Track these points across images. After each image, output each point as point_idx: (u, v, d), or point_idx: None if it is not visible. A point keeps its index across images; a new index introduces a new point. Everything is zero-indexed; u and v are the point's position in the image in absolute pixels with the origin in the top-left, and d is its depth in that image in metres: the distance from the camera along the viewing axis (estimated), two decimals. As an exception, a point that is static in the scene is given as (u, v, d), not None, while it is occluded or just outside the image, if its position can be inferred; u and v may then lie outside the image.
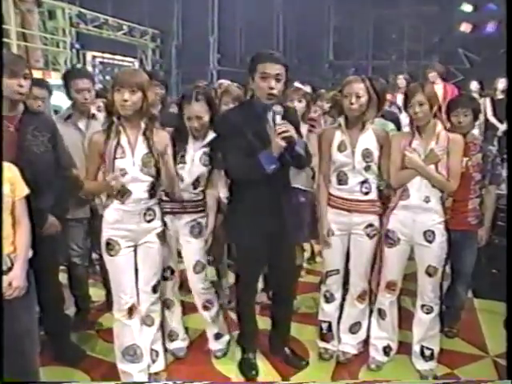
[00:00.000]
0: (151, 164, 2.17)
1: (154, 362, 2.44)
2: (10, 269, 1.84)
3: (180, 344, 2.69)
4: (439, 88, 5.98)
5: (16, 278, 1.84)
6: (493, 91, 5.98)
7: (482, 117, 5.63)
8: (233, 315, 2.85)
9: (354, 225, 2.50)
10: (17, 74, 2.06)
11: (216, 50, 11.86)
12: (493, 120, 5.91)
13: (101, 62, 9.98)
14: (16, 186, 1.89)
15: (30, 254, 1.95)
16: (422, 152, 2.34)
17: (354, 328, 2.67)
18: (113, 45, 10.29)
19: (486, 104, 5.92)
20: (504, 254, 2.48)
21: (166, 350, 2.58)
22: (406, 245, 2.46)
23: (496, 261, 3.26)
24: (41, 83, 2.88)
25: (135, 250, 2.29)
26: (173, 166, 2.28)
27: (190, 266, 2.54)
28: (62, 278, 2.75)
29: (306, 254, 3.83)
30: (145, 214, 2.24)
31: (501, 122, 5.82)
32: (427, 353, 2.53)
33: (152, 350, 2.43)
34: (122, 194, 2.17)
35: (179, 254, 2.61)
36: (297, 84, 3.14)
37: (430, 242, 2.39)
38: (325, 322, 2.70)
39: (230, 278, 3.15)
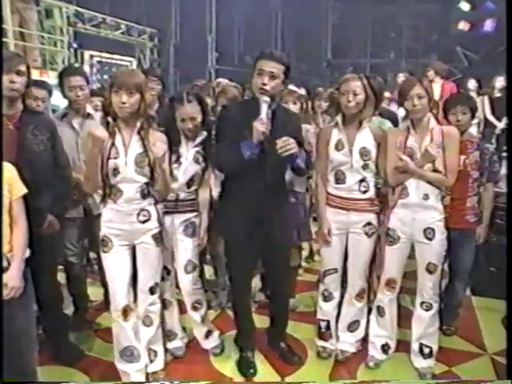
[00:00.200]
0: (145, 164, 2.15)
1: (152, 361, 2.44)
2: (6, 268, 1.84)
3: (178, 343, 2.69)
4: (437, 86, 5.99)
5: (12, 279, 1.84)
6: (491, 89, 5.98)
7: (480, 115, 5.65)
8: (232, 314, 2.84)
9: (352, 223, 2.50)
10: (9, 70, 2.05)
11: (214, 49, 11.81)
12: (491, 118, 5.92)
13: (99, 61, 9.94)
14: (13, 185, 1.89)
15: (28, 253, 1.95)
16: (418, 148, 2.33)
17: (352, 326, 2.68)
18: (111, 44, 10.24)
19: (484, 102, 5.92)
20: (502, 251, 2.49)
21: (166, 350, 2.57)
22: (406, 243, 2.46)
23: (494, 259, 3.27)
24: (41, 84, 2.89)
25: (133, 251, 2.29)
26: (168, 167, 2.28)
27: (181, 265, 2.52)
28: (61, 277, 2.75)
29: (305, 253, 3.84)
30: (138, 214, 2.22)
31: (499, 120, 5.83)
32: (426, 351, 2.53)
33: (150, 349, 2.43)
34: (115, 193, 2.17)
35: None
36: (291, 87, 3.14)
37: (430, 239, 2.39)
38: (323, 320, 2.70)
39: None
